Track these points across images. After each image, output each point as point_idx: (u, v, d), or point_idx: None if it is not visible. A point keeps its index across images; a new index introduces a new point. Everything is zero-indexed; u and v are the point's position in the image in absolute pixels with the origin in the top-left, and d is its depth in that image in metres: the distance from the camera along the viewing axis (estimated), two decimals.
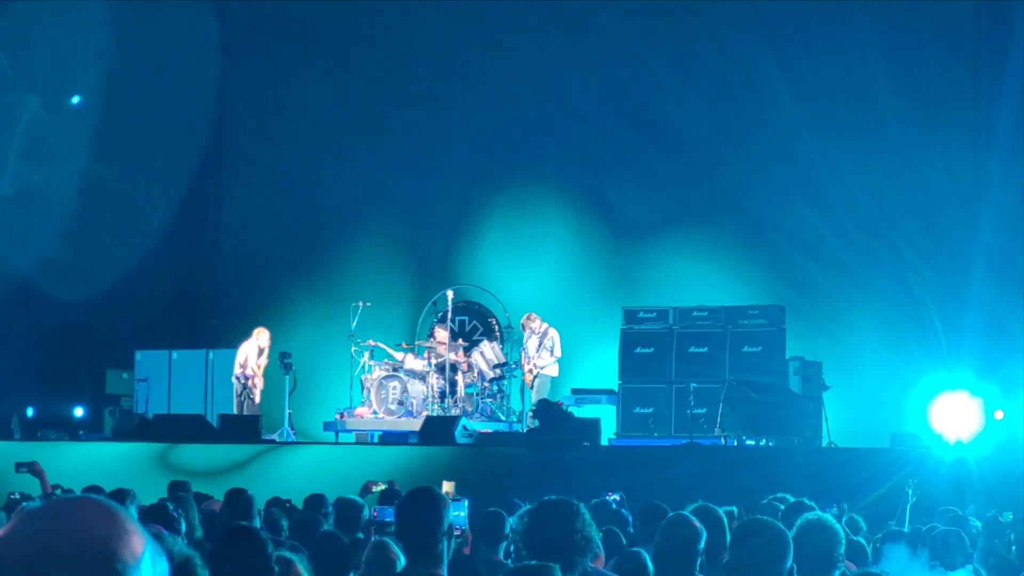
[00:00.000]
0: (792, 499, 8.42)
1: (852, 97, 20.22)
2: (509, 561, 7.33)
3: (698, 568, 5.74)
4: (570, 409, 17.37)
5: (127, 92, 21.95)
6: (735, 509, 8.40)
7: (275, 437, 18.27)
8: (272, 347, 19.29)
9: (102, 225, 21.78)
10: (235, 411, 18.93)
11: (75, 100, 21.79)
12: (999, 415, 16.53)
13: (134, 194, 22.20)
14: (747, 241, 20.69)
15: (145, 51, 21.93)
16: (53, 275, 20.79)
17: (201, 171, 23.42)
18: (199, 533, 8.64)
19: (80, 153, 21.42)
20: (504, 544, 7.92)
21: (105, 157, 21.71)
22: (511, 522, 8.25)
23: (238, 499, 8.21)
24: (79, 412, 21.12)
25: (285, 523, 8.86)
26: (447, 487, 10.51)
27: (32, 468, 11.31)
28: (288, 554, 5.22)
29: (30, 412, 20.47)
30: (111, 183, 21.80)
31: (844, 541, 5.36)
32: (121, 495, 8.83)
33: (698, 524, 5.83)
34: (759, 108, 20.54)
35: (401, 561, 6.01)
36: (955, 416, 16.18)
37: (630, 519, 9.78)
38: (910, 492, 9.68)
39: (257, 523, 7.91)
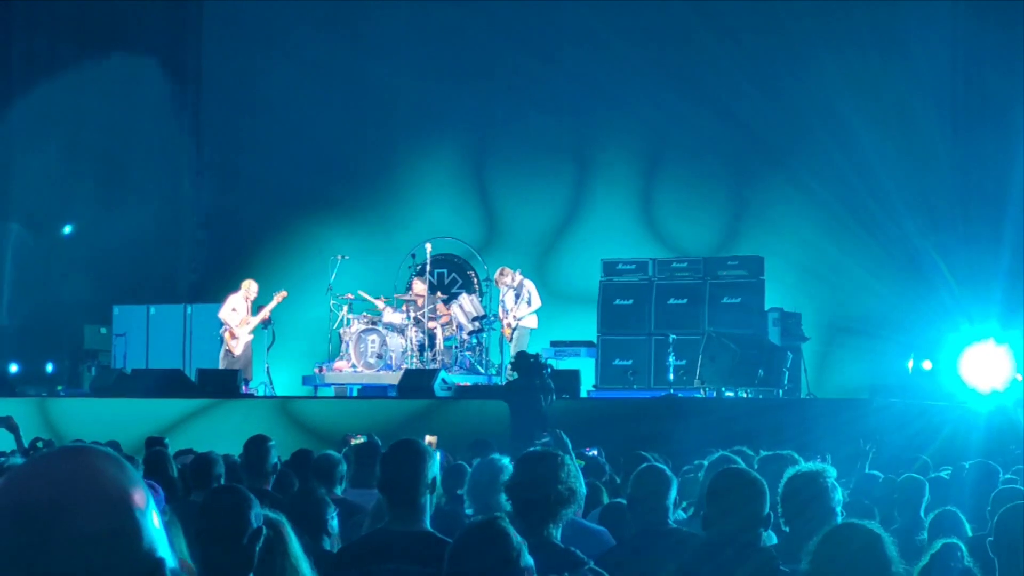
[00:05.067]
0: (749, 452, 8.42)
1: (839, 37, 20.03)
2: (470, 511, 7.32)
3: (671, 518, 5.77)
4: (549, 361, 17.35)
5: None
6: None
7: (254, 391, 18.22)
8: (253, 300, 19.05)
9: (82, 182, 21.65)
10: (220, 364, 18.81)
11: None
12: None
13: (113, 149, 22.04)
14: (727, 190, 20.64)
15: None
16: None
17: (179, 123, 23.26)
18: (179, 486, 8.58)
19: None
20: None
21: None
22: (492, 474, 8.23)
23: (253, 449, 7.86)
24: (50, 368, 21.05)
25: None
26: (430, 439, 10.49)
27: (8, 423, 11.22)
28: (271, 514, 5.12)
29: (13, 368, 20.34)
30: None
31: (840, 491, 5.43)
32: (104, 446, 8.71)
33: (669, 474, 5.86)
34: (743, 54, 20.40)
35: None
36: (986, 367, 16.03)
37: (608, 471, 9.81)
38: (868, 449, 9.68)
39: (272, 480, 7.73)
